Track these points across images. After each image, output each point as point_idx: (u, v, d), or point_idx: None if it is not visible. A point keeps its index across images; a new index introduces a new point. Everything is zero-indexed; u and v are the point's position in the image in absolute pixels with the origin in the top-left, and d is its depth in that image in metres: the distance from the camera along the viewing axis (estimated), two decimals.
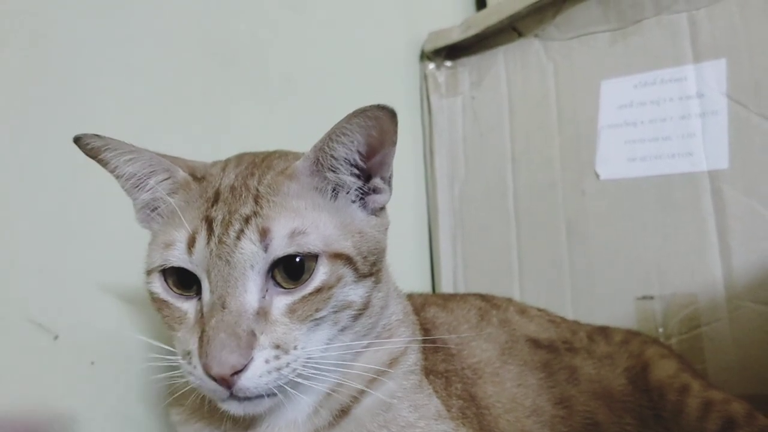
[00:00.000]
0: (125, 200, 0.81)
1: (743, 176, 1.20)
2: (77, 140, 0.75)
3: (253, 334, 0.65)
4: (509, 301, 1.13)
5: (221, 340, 0.64)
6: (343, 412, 0.76)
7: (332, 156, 0.73)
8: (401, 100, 1.63)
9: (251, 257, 0.67)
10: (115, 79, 1.09)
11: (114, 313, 1.03)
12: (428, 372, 0.85)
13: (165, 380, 0.73)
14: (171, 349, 0.71)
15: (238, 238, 0.67)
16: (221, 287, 0.67)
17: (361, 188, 0.77)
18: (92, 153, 0.76)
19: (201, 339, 0.65)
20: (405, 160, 1.63)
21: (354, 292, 0.73)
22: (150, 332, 0.83)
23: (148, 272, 0.73)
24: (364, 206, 0.78)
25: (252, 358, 0.65)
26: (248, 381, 0.65)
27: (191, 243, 0.69)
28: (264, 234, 0.67)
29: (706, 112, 1.27)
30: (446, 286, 1.56)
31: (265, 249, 0.67)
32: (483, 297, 1.11)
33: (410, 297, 1.03)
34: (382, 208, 0.81)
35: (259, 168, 0.75)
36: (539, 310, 1.13)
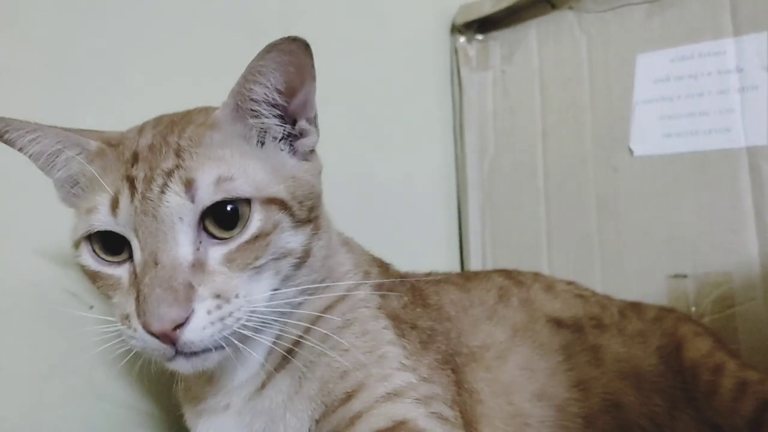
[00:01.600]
0: None
1: None
2: None
3: (190, 286, 0.64)
4: (536, 276, 1.11)
5: (157, 296, 0.62)
6: (289, 352, 0.76)
7: (251, 99, 0.71)
8: (431, 74, 1.60)
9: (178, 209, 0.65)
10: (140, 52, 1.09)
11: None
12: (400, 320, 0.82)
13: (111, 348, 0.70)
14: (111, 318, 0.69)
15: (162, 191, 0.65)
16: (151, 243, 0.65)
17: (287, 133, 0.75)
18: None
19: (138, 299, 0.64)
20: (434, 135, 1.61)
21: (294, 239, 0.71)
22: None
23: (75, 244, 0.71)
24: (293, 152, 0.76)
25: (193, 311, 0.63)
26: (192, 334, 0.63)
27: (114, 204, 0.67)
28: (189, 184, 0.66)
29: (745, 87, 1.23)
30: (475, 262, 1.54)
31: (192, 199, 0.65)
32: (508, 274, 1.09)
33: (429, 275, 1.02)
34: (312, 151, 0.79)
35: (178, 125, 0.73)
36: (568, 284, 1.11)
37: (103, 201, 0.67)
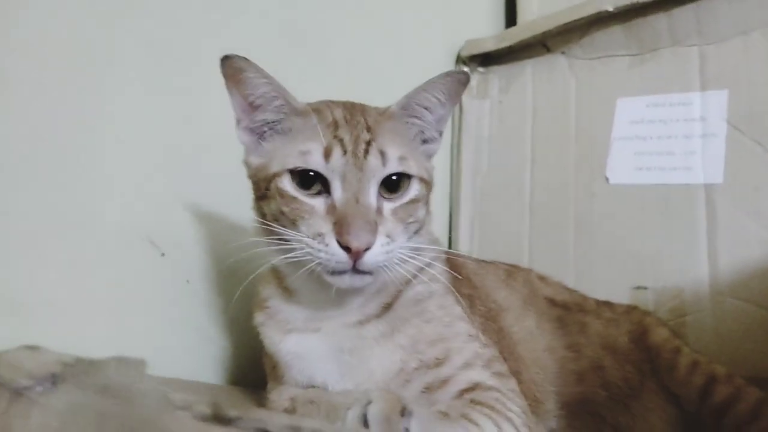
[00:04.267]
0: (234, 146, 0.97)
1: (734, 191, 1.36)
2: (227, 59, 0.89)
3: (375, 224, 0.84)
4: (531, 270, 1.30)
5: (359, 224, 0.82)
6: (387, 306, 0.94)
7: (417, 104, 0.94)
8: None
9: (375, 169, 0.87)
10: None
11: (210, 238, 1.17)
12: (455, 290, 1.00)
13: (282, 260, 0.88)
14: (295, 233, 0.86)
15: (366, 153, 0.86)
16: (355, 188, 0.85)
17: (429, 137, 0.99)
18: (236, 72, 0.90)
19: (338, 224, 0.83)
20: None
21: (421, 210, 0.93)
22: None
23: (275, 174, 0.89)
24: (425, 153, 1.00)
25: (375, 240, 0.83)
26: (371, 257, 0.83)
27: (327, 154, 0.86)
28: (382, 154, 0.87)
29: (706, 134, 1.42)
30: None
31: (384, 165, 0.87)
32: (509, 264, 1.29)
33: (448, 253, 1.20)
34: (431, 157, 1.02)
35: (358, 109, 0.94)
36: (556, 281, 1.30)
37: (317, 149, 0.87)
